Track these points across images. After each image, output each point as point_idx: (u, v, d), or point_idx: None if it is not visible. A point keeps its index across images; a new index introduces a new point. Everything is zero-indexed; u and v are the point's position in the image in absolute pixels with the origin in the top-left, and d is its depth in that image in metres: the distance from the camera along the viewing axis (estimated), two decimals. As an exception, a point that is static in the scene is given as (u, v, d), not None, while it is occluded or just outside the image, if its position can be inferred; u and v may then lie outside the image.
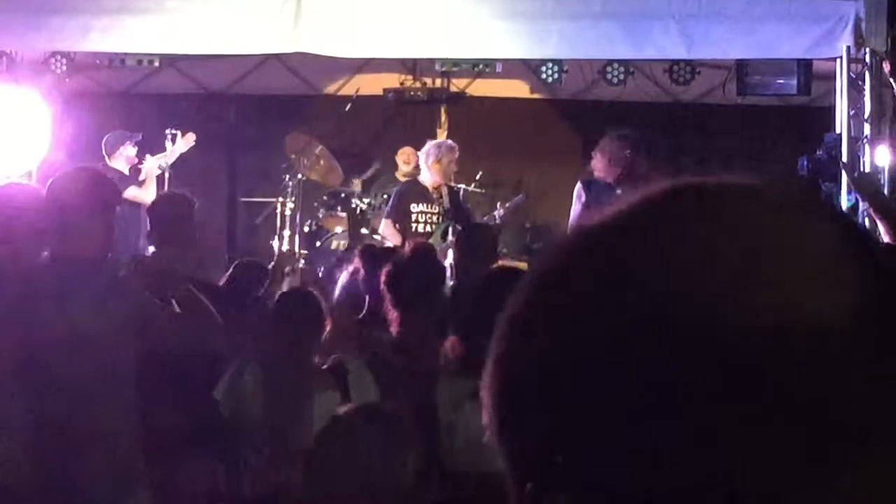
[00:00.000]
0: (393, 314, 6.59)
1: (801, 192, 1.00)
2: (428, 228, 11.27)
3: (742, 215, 0.96)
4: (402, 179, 12.91)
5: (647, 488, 0.91)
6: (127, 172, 12.08)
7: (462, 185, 11.98)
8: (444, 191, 11.51)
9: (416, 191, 11.52)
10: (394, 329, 6.53)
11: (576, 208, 10.70)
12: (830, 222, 0.97)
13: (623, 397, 0.91)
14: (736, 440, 0.89)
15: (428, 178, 11.45)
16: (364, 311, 6.95)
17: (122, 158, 12.16)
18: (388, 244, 11.16)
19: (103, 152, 12.17)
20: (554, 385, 0.95)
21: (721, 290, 0.91)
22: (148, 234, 7.60)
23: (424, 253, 7.46)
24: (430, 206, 11.37)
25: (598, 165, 10.74)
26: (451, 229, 11.16)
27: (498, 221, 11.30)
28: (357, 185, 13.45)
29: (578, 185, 10.87)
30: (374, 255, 7.36)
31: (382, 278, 6.76)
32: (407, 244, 10.62)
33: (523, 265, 8.96)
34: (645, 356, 0.91)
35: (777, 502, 0.89)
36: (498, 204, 11.51)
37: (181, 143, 12.61)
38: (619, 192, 10.29)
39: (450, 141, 12.00)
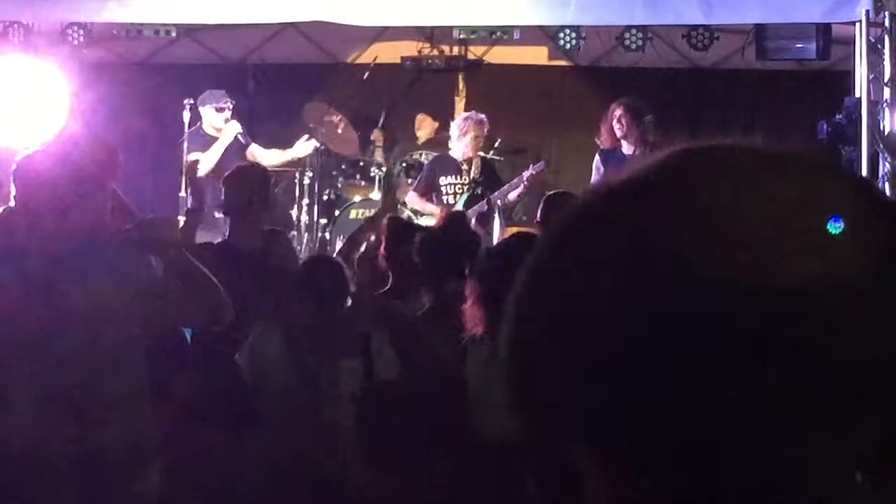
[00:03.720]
0: (427, 284, 6.59)
1: (818, 153, 1.00)
2: (456, 199, 11.31)
3: (759, 176, 0.96)
4: (420, 148, 12.94)
5: (664, 441, 0.92)
6: (213, 133, 11.68)
7: (480, 153, 11.97)
8: (477, 162, 11.53)
9: (446, 164, 11.60)
10: (427, 298, 6.53)
11: (595, 180, 10.69)
12: (848, 182, 0.97)
13: (641, 351, 0.92)
14: (757, 396, 0.89)
15: (458, 150, 11.49)
16: (388, 285, 6.93)
17: (205, 120, 11.81)
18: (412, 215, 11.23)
19: None
20: (570, 337, 0.96)
21: (740, 248, 0.91)
22: (222, 203, 7.65)
23: (458, 222, 7.46)
24: (458, 178, 11.43)
25: (604, 132, 10.79)
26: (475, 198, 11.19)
27: (526, 182, 11.25)
28: (377, 154, 13.42)
29: (597, 158, 10.87)
30: (398, 229, 7.33)
31: (416, 248, 6.77)
32: (441, 212, 10.70)
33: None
34: (663, 312, 0.92)
35: (799, 458, 0.89)
36: (522, 172, 11.47)
37: (302, 147, 12.44)
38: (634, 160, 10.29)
39: (477, 114, 11.97)
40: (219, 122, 11.71)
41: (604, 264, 0.95)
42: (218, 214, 10.43)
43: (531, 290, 1.01)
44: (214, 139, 11.57)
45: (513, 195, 11.32)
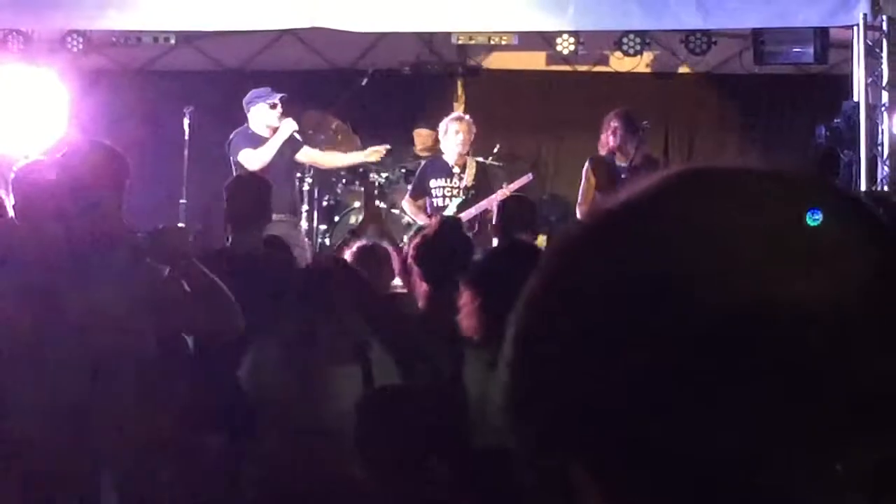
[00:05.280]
0: (421, 289, 6.60)
1: (813, 174, 1.01)
2: (445, 202, 11.26)
3: (757, 197, 0.97)
4: (420, 155, 12.92)
5: (665, 463, 0.93)
6: (264, 133, 11.19)
7: (479, 158, 11.96)
8: (472, 166, 11.44)
9: (436, 166, 11.50)
10: (422, 303, 6.54)
11: (583, 187, 10.69)
12: (843, 202, 0.98)
13: (643, 374, 0.93)
14: (757, 416, 0.90)
15: (448, 153, 11.43)
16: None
17: (255, 120, 11.29)
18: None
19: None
20: (572, 360, 0.96)
21: (739, 271, 0.92)
22: (226, 214, 7.57)
23: (452, 227, 7.45)
24: (448, 181, 11.35)
25: (602, 141, 10.74)
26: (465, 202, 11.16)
27: (508, 193, 11.22)
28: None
29: (588, 164, 10.82)
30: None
31: (411, 252, 6.77)
32: (432, 218, 10.69)
33: (540, 239, 8.92)
34: (666, 335, 0.92)
35: (798, 477, 0.91)
36: (504, 184, 11.42)
37: (375, 153, 12.07)
38: (626, 171, 10.27)
39: (458, 112, 11.98)
40: (272, 119, 11.20)
41: (606, 289, 0.96)
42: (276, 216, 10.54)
43: (533, 313, 1.02)
44: (264, 139, 11.14)
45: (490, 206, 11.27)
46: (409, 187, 11.77)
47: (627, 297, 0.95)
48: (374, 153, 11.99)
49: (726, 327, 0.91)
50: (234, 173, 10.98)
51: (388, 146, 12.05)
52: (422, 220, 11.09)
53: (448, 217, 9.66)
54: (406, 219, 11.57)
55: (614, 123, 10.58)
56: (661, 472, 0.93)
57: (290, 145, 11.28)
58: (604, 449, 0.95)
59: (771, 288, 0.91)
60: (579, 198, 10.74)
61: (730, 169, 1.01)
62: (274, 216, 10.73)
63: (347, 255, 7.38)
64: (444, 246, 6.74)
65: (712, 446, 0.91)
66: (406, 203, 11.60)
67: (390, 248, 7.92)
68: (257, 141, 11.07)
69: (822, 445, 0.90)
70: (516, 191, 11.07)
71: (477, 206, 11.17)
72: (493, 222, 8.53)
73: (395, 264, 7.57)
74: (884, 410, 0.91)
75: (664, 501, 0.94)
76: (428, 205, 11.29)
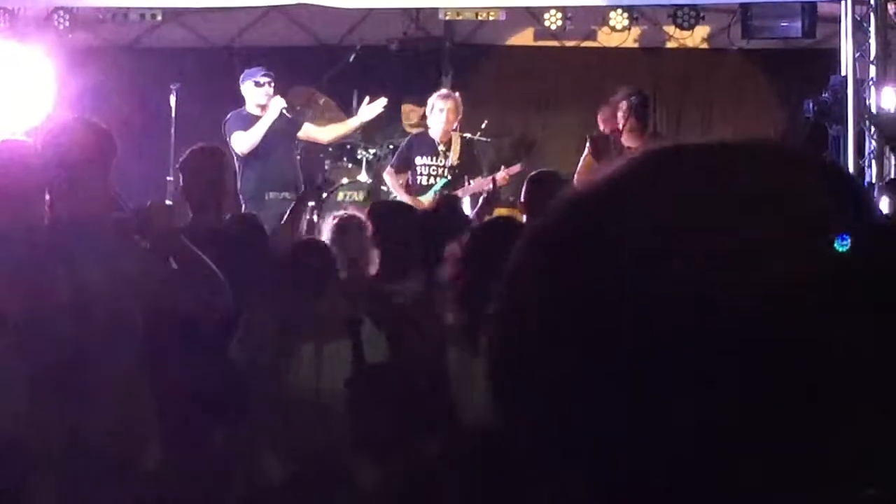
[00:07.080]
0: (419, 268, 6.59)
1: (790, 146, 1.00)
2: (431, 181, 11.21)
3: (728, 175, 0.96)
4: (409, 131, 12.88)
5: (639, 441, 0.92)
6: (257, 112, 11.14)
7: (467, 134, 11.93)
8: (457, 143, 11.36)
9: (423, 143, 11.41)
10: (418, 283, 6.52)
11: (583, 162, 10.61)
12: (820, 175, 0.97)
13: (610, 356, 0.92)
14: (722, 392, 0.90)
15: (434, 129, 11.36)
16: (377, 269, 6.91)
17: (247, 99, 11.27)
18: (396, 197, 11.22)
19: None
20: (545, 344, 0.96)
21: (703, 249, 0.91)
22: (182, 188, 7.47)
23: (449, 206, 7.45)
24: (434, 159, 11.28)
25: (606, 116, 10.61)
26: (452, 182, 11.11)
27: (499, 182, 11.10)
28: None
29: (588, 146, 10.71)
30: (383, 214, 7.29)
31: (408, 231, 6.76)
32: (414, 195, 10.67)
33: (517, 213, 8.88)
34: (633, 314, 0.92)
35: (767, 455, 0.90)
36: (502, 167, 11.34)
37: (367, 111, 11.88)
38: (624, 147, 10.19)
39: (445, 90, 11.93)
40: (261, 97, 11.16)
41: (582, 272, 0.96)
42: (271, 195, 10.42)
43: (512, 297, 1.01)
44: (256, 118, 11.10)
45: (483, 189, 11.15)
46: (392, 159, 11.70)
47: (598, 280, 0.94)
48: (369, 110, 11.87)
49: (700, 317, 0.90)
50: (232, 155, 11.00)
51: (384, 102, 11.90)
52: (403, 195, 11.04)
53: (447, 195, 9.66)
54: (393, 194, 11.54)
55: (626, 104, 10.37)
56: (643, 457, 0.92)
57: (289, 124, 11.25)
58: (586, 433, 0.95)
59: (747, 271, 0.90)
60: (577, 169, 10.54)
61: (702, 146, 1.00)
62: (276, 195, 10.83)
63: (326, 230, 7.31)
64: (441, 225, 6.73)
65: (696, 432, 0.91)
66: (387, 176, 11.49)
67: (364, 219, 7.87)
68: (250, 121, 11.04)
69: (802, 432, 0.90)
70: (504, 179, 11.00)
71: (463, 189, 11.07)
72: (522, 199, 8.46)
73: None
74: (859, 393, 0.90)
75: (650, 486, 0.93)
76: (412, 181, 11.25)
